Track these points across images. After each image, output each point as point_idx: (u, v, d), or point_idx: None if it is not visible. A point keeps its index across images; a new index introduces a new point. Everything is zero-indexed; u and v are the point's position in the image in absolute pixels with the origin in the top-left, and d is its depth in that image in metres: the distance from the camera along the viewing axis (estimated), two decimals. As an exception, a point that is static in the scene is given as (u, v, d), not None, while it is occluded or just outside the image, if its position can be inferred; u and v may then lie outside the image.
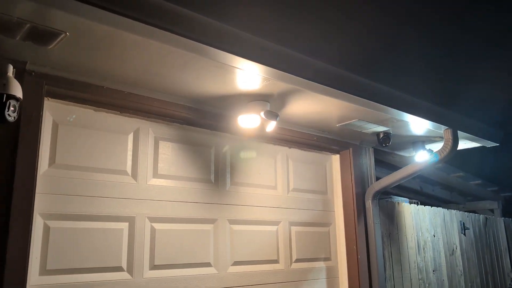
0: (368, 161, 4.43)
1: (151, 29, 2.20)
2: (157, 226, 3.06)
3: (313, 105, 3.30)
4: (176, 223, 3.17)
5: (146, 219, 3.03)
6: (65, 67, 2.60)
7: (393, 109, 3.45)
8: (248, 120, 3.11)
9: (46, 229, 2.63)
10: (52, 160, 2.72)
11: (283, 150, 3.97)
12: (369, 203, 4.18)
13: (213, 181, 3.44)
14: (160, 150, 3.19)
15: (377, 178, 4.37)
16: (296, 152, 4.06)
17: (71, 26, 2.15)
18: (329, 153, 4.32)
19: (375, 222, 4.16)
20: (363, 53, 3.23)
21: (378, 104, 3.34)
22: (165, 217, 3.12)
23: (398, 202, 4.53)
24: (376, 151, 4.57)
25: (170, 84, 2.89)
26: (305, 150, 4.13)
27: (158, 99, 3.04)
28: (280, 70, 2.72)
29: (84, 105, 2.85)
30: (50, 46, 2.29)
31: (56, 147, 2.74)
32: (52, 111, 2.75)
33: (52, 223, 2.65)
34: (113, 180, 2.93)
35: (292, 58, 2.81)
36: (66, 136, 2.78)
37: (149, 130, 3.16)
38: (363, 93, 3.23)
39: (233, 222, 3.48)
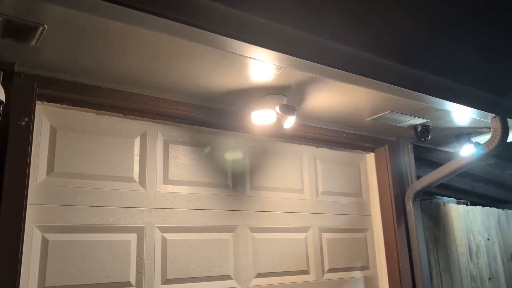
0: (406, 158, 4.01)
1: (149, 17, 1.97)
2: (168, 236, 2.81)
3: (337, 96, 2.96)
4: (190, 232, 2.91)
5: (156, 229, 2.78)
6: (57, 67, 2.41)
7: (429, 96, 3.05)
8: (262, 116, 2.82)
9: (45, 243, 2.43)
10: (50, 168, 2.53)
11: (310, 150, 3.64)
12: (409, 205, 3.76)
13: (231, 186, 3.16)
14: (170, 154, 2.95)
15: (418, 178, 3.93)
16: (324, 152, 3.72)
17: (48, 18, 1.95)
18: (362, 151, 3.94)
19: (418, 226, 3.73)
20: (396, 38, 2.89)
21: (411, 91, 2.96)
22: (177, 226, 2.86)
23: (443, 203, 4.07)
24: (416, 148, 4.14)
25: (176, 81, 2.64)
26: (334, 149, 3.78)
27: (163, 99, 2.81)
28: (300, 58, 2.42)
29: (84, 109, 2.66)
30: (33, 43, 2.10)
31: (54, 154, 2.55)
32: (49, 116, 2.57)
33: (51, 236, 2.45)
34: (119, 188, 2.71)
35: (312, 44, 2.51)
36: (65, 143, 2.59)
37: (158, 133, 2.93)
38: (394, 79, 2.87)
39: (255, 230, 3.18)
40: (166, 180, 2.90)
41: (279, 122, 2.91)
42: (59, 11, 1.91)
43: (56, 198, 2.51)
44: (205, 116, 3.00)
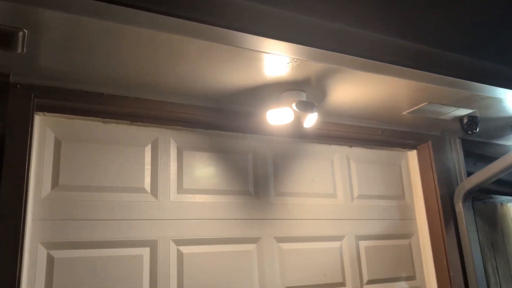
0: (454, 155, 3.59)
1: (144, 15, 1.83)
2: (184, 249, 2.62)
3: (366, 89, 2.64)
4: (209, 244, 2.70)
5: (171, 242, 2.60)
6: (54, 75, 2.29)
7: (471, 82, 2.68)
8: (278, 116, 2.56)
9: (50, 260, 2.31)
10: (55, 182, 2.41)
11: (342, 150, 3.33)
12: (459, 206, 3.34)
13: (252, 193, 2.93)
14: (184, 161, 2.76)
15: (469, 175, 3.51)
16: (359, 152, 3.40)
17: (30, 22, 1.82)
18: (402, 149, 3.57)
19: (470, 230, 3.31)
20: (426, 20, 2.56)
21: (451, 78, 2.61)
22: (194, 238, 2.66)
23: (501, 203, 3.61)
24: (467, 143, 3.70)
25: (184, 83, 2.45)
26: (370, 148, 3.44)
27: (173, 103, 2.63)
28: (317, 48, 2.20)
29: (89, 118, 2.53)
30: (19, 50, 1.98)
31: (59, 167, 2.43)
32: (53, 127, 2.46)
33: (57, 253, 2.33)
34: (129, 199, 2.55)
35: (331, 31, 2.27)
36: (71, 154, 2.47)
37: (170, 139, 2.75)
38: (428, 66, 2.53)
39: (281, 240, 2.92)
40: (180, 189, 2.71)
41: (299, 121, 2.65)
42: (44, 14, 1.78)
43: (62, 212, 2.39)
44: (220, 119, 2.80)
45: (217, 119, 2.79)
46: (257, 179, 2.96)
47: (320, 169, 3.20)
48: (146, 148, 2.67)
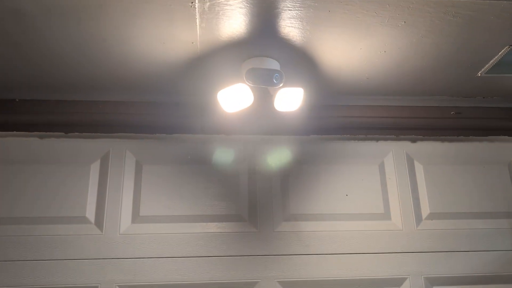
0: None
1: None
2: (136, 301, 1.88)
3: (399, 37, 1.62)
4: (175, 294, 1.91)
5: (118, 291, 1.89)
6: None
7: None
8: (231, 98, 1.69)
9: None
10: (-24, 214, 1.96)
11: (399, 147, 2.22)
12: None
13: (247, 218, 2.05)
14: (144, 179, 2.05)
15: None
16: (429, 147, 2.23)
17: None
18: (508, 137, 2.26)
19: None
20: None
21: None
22: (153, 284, 1.90)
23: None
24: None
25: (116, 67, 1.81)
26: (450, 141, 2.24)
27: (117, 102, 2.01)
28: None
29: (20, 133, 2.05)
30: None
31: (-17, 195, 1.98)
32: (-20, 149, 2.04)
33: (-36, 305, 1.83)
34: (66, 233, 1.94)
35: None
36: (4, 179, 2.00)
37: (126, 151, 2.09)
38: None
39: (291, 285, 1.95)
40: (136, 217, 2.00)
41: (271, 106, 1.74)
42: None
43: (-23, 252, 1.90)
44: (187, 117, 2.05)
45: (184, 117, 2.04)
46: (254, 199, 2.07)
47: (360, 178, 2.15)
48: (92, 166, 2.05)
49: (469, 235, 2.09)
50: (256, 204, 2.07)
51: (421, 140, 2.22)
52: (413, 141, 2.22)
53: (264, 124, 2.02)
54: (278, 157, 2.13)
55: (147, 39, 1.59)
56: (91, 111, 1.99)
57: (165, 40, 1.60)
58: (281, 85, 1.62)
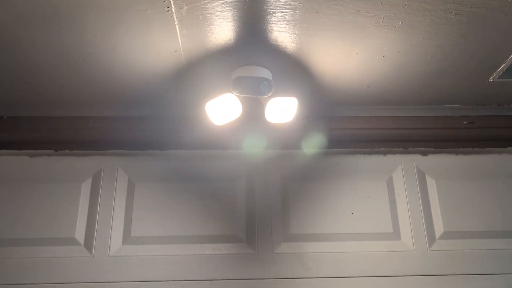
0: None
1: None
2: (124, 328, 1.76)
3: (407, 40, 1.50)
4: (164, 321, 1.78)
5: (105, 318, 1.78)
6: None
7: None
8: (219, 109, 1.59)
9: None
10: (-36, 236, 1.89)
11: (409, 161, 2.06)
12: None
13: (244, 238, 1.92)
14: (136, 198, 1.96)
15: None
16: (441, 160, 2.06)
17: None
18: (529, 149, 2.08)
19: None
20: None
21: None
22: (141, 311, 1.79)
23: None
24: None
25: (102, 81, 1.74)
26: (464, 154, 2.07)
27: (88, 117, 1.94)
28: None
29: (10, 151, 1.99)
30: None
31: (-29, 216, 1.92)
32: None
33: None
34: (52, 255, 1.85)
35: None
36: (-11, 199, 1.94)
37: (118, 169, 2.01)
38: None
39: (292, 312, 1.80)
40: (127, 238, 1.90)
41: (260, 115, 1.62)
42: None
43: (-39, 275, 1.83)
44: (183, 133, 1.95)
45: (175, 132, 1.95)
46: (253, 219, 1.95)
47: (366, 194, 1.99)
48: (83, 184, 1.97)
49: (488, 256, 1.90)
50: (254, 224, 1.94)
51: (433, 153, 2.06)
52: (424, 154, 2.06)
53: (257, 137, 1.90)
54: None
55: (128, 49, 1.51)
56: (81, 127, 1.92)
57: (147, 50, 1.52)
58: (270, 94, 1.51)
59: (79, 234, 1.90)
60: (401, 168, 2.05)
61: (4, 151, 1.98)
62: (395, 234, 1.94)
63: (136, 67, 1.61)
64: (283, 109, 1.60)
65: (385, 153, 2.06)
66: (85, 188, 1.97)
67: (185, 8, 1.33)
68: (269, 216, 1.95)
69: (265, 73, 1.58)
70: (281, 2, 1.31)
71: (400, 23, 1.41)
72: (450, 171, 2.04)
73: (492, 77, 1.72)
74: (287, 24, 1.41)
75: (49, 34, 1.42)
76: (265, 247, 1.90)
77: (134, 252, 1.88)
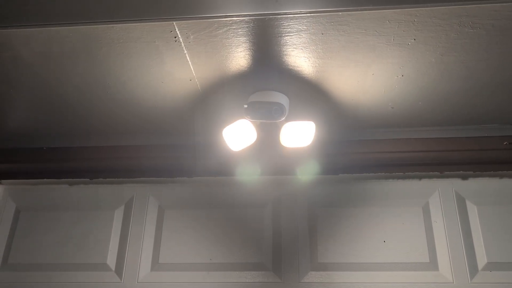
0: None
1: None
2: None
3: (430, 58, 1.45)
4: None
5: None
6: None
7: None
8: (235, 135, 1.59)
9: None
10: (4, 261, 2.01)
11: (447, 185, 1.93)
12: None
13: (270, 267, 1.87)
14: (165, 225, 1.99)
15: None
16: (483, 185, 1.91)
17: None
18: None
19: None
20: None
21: None
22: (166, 338, 1.79)
23: None
24: None
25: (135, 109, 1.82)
26: (508, 177, 1.90)
27: (114, 146, 2.01)
28: None
29: (52, 180, 2.11)
30: None
31: (12, 242, 2.04)
32: (14, 197, 2.12)
33: None
34: (84, 280, 1.92)
35: None
36: (27, 226, 2.05)
37: (149, 197, 2.06)
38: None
39: None
40: (155, 264, 1.92)
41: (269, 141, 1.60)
42: None
43: (3, 299, 1.93)
44: (208, 160, 1.97)
45: (201, 159, 1.97)
46: (278, 245, 1.90)
47: (400, 221, 1.88)
48: (116, 211, 2.04)
49: (540, 291, 1.71)
50: (281, 252, 1.89)
51: (473, 176, 1.92)
52: (464, 178, 1.92)
53: (277, 162, 1.88)
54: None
55: (145, 79, 1.57)
56: (113, 156, 2.00)
57: (163, 80, 1.57)
58: (282, 118, 1.50)
59: (111, 260, 1.95)
60: (438, 193, 1.92)
61: (45, 180, 2.11)
62: (432, 264, 1.81)
63: (155, 96, 1.67)
64: (300, 133, 1.57)
65: (420, 178, 1.95)
66: (118, 215, 2.04)
67: (192, 37, 1.37)
68: (296, 244, 1.90)
69: (281, 98, 1.57)
70: (284, 25, 1.31)
71: (413, 40, 1.35)
72: (493, 196, 1.89)
73: (526, 92, 1.59)
74: (295, 48, 1.40)
75: (71, 68, 1.52)
76: (292, 276, 1.84)
77: (162, 279, 1.89)
